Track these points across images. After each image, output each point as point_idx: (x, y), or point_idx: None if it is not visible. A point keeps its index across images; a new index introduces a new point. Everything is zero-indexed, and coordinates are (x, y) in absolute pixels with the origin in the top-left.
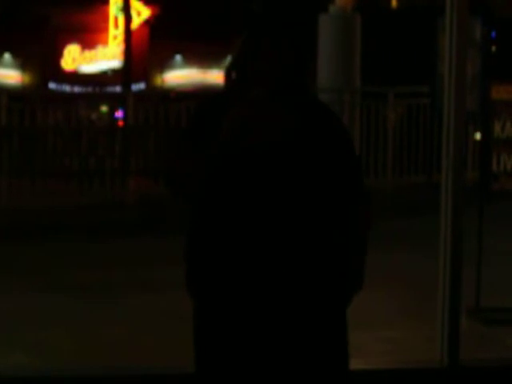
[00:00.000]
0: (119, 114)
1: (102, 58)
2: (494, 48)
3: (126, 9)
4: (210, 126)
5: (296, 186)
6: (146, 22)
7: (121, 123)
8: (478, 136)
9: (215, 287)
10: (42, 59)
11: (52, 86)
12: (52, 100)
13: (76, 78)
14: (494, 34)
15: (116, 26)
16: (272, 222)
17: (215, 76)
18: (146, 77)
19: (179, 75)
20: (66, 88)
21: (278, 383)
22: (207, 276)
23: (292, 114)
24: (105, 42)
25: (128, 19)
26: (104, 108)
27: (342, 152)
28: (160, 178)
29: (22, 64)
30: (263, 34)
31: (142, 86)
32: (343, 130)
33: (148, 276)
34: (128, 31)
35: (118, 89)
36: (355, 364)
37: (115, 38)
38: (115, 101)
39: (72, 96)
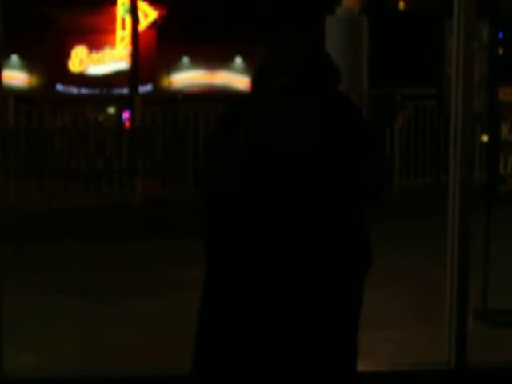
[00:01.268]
0: (126, 114)
1: (109, 59)
2: (501, 50)
3: (133, 11)
4: (237, 129)
5: (322, 187)
6: (154, 24)
7: (128, 123)
8: (485, 138)
9: (239, 283)
10: (49, 61)
11: (59, 87)
12: (59, 102)
13: (83, 79)
14: (501, 35)
15: (123, 27)
16: (292, 218)
17: (223, 78)
18: (154, 79)
19: (186, 77)
20: (73, 90)
21: (282, 376)
22: (232, 271)
23: (317, 116)
24: (112, 44)
25: (135, 21)
26: (111, 110)
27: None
28: (193, 185)
29: (29, 66)
30: (276, 35)
31: (149, 87)
32: (367, 129)
33: (153, 278)
34: (135, 33)
35: (125, 91)
36: (361, 366)
37: (122, 39)
38: (122, 102)
39: (79, 98)
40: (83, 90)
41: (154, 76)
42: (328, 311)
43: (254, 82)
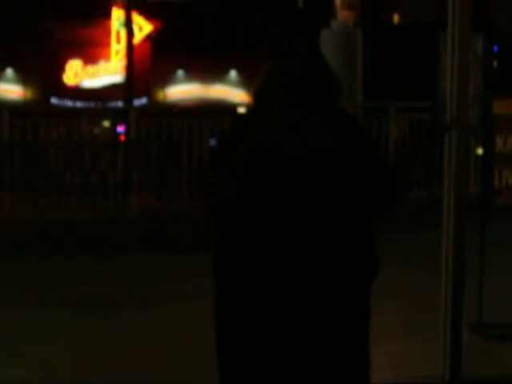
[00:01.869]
0: (121, 128)
1: (104, 72)
2: (495, 63)
3: (128, 24)
4: (238, 144)
5: (324, 195)
6: (148, 37)
7: (122, 138)
8: (480, 151)
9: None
10: (44, 74)
11: (54, 100)
12: (54, 115)
13: (78, 92)
14: (495, 49)
15: (118, 40)
16: (297, 226)
17: (217, 91)
18: (148, 92)
19: (181, 90)
20: (68, 103)
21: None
22: (240, 280)
23: (317, 123)
24: (107, 57)
25: (130, 34)
26: (106, 123)
27: (366, 153)
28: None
29: (24, 79)
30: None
31: (144, 100)
32: (367, 136)
33: (148, 291)
34: (130, 46)
35: (120, 104)
36: None
37: (117, 52)
38: (117, 116)
39: (74, 111)
40: (78, 103)
41: (148, 89)
42: (339, 318)
43: (257, 96)
